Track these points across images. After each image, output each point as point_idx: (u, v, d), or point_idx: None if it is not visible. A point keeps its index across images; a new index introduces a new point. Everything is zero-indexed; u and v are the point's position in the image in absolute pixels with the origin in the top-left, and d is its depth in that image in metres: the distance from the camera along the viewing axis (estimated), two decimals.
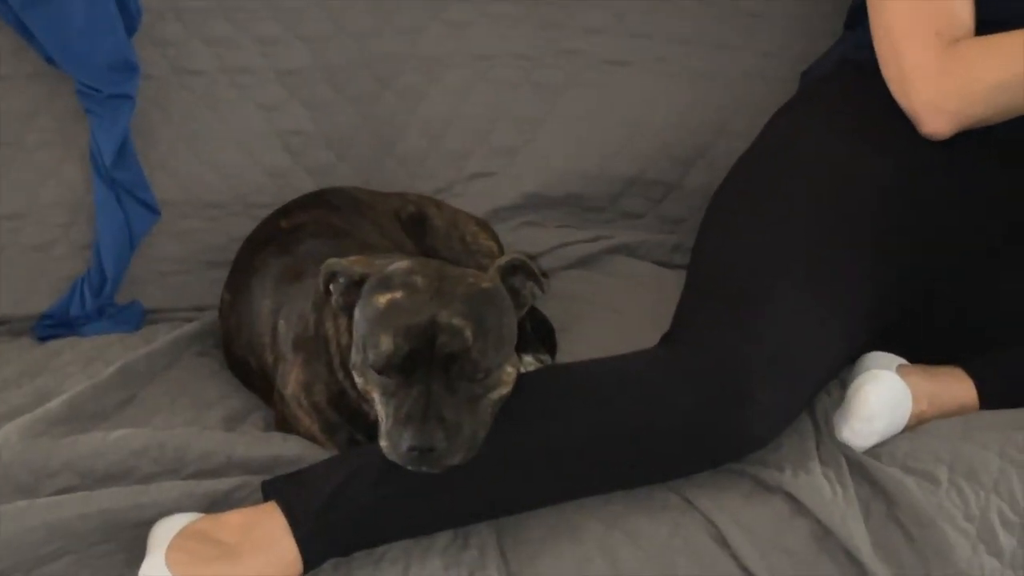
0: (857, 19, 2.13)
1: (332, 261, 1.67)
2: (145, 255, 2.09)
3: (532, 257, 1.78)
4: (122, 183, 2.03)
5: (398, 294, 1.60)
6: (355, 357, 1.64)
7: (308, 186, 2.09)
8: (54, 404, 1.82)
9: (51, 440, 1.76)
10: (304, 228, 1.94)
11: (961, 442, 1.82)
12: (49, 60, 2.02)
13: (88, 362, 1.93)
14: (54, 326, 2.06)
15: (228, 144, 2.13)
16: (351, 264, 1.66)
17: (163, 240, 2.09)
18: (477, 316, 1.60)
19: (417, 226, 2.02)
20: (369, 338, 1.60)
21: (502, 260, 1.72)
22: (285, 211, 2.02)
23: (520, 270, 1.70)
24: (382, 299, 1.60)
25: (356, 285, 1.65)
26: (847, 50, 2.15)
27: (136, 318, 2.09)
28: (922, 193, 2.00)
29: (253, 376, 1.93)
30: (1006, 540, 1.76)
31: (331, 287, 1.67)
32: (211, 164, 2.12)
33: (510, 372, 1.67)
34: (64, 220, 2.08)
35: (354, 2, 2.15)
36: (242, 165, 2.13)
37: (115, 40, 2.01)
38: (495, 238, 2.10)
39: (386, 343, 1.57)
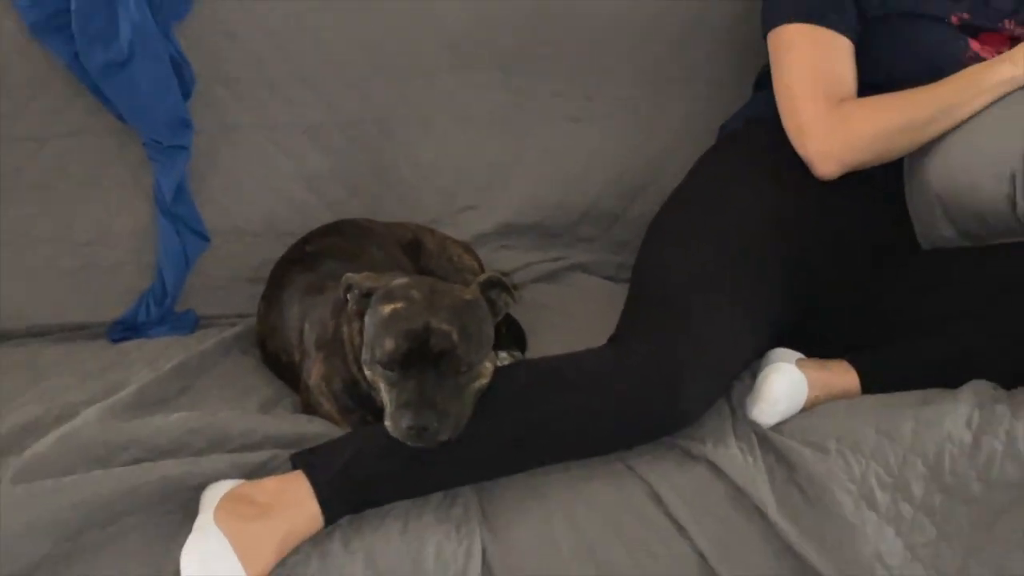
0: (763, 84, 2.14)
1: (349, 276, 1.69)
2: (197, 273, 2.09)
3: (506, 274, 1.82)
4: (179, 216, 2.04)
5: (399, 304, 1.62)
6: (365, 355, 1.65)
7: (326, 217, 2.08)
8: (124, 393, 1.81)
9: (122, 421, 1.76)
10: (324, 251, 1.95)
11: (846, 420, 1.82)
12: (120, 118, 2.03)
13: (152, 359, 1.93)
14: (124, 330, 2.05)
15: (263, 184, 2.14)
16: (363, 279, 1.68)
17: (211, 261, 2.09)
18: (461, 322, 1.62)
19: (414, 250, 2.02)
20: (376, 339, 1.62)
21: (482, 277, 1.75)
22: (308, 238, 2.03)
23: (496, 285, 1.72)
24: (386, 308, 1.62)
25: (366, 296, 1.67)
26: (755, 109, 2.16)
27: (191, 323, 2.09)
28: (814, 222, 2.01)
29: (283, 370, 1.93)
30: (881, 497, 1.76)
31: (348, 296, 1.68)
32: (249, 201, 2.13)
33: (488, 367, 1.69)
34: (133, 245, 2.08)
35: (364, 72, 2.15)
36: (274, 201, 2.14)
37: (174, 103, 2.02)
38: (477, 259, 2.10)
39: (389, 344, 1.59)
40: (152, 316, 2.04)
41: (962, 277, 2.01)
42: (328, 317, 1.76)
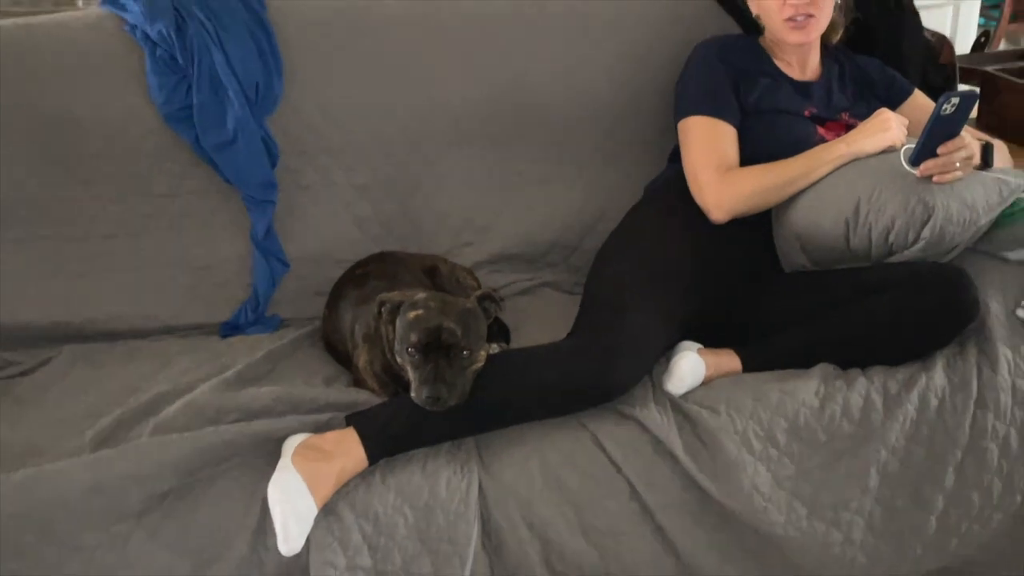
0: (675, 158, 2.15)
1: (383, 295, 1.70)
2: (281, 288, 2.09)
3: (496, 290, 1.82)
4: (268, 249, 2.05)
5: (420, 311, 1.64)
6: (397, 346, 1.67)
7: (371, 249, 2.09)
8: (229, 373, 1.83)
9: (227, 393, 1.77)
10: (369, 274, 1.96)
11: (731, 391, 1.83)
12: (227, 180, 2.03)
13: (249, 349, 1.94)
14: (230, 329, 2.06)
15: (325, 226, 2.13)
16: (394, 296, 1.69)
17: (290, 280, 2.09)
18: (464, 323, 1.64)
19: (432, 273, 2.02)
20: (404, 335, 1.64)
21: (477, 292, 1.76)
22: (358, 264, 2.03)
23: (488, 297, 1.74)
24: (411, 314, 1.65)
25: (397, 307, 1.68)
26: (669, 175, 2.15)
27: (276, 324, 2.08)
28: (709, 252, 2.01)
29: (340, 357, 1.94)
30: (756, 444, 1.78)
31: (382, 309, 1.69)
32: (316, 237, 2.12)
33: (483, 354, 1.70)
34: (235, 269, 2.08)
35: (397, 144, 2.16)
36: (333, 237, 2.13)
37: (264, 170, 2.04)
38: (476, 279, 2.10)
39: (414, 338, 1.62)
40: (249, 319, 2.05)
41: (811, 291, 2.01)
42: (371, 320, 1.75)
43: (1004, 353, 1.90)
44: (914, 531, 1.86)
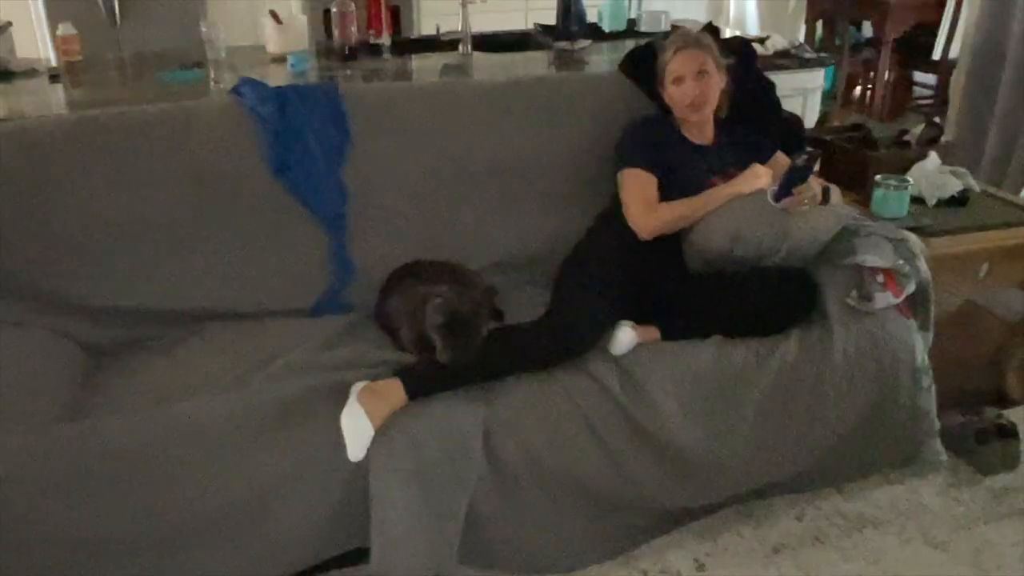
0: (616, 198, 2.17)
1: (420, 288, 1.79)
2: (350, 285, 2.11)
3: (494, 287, 1.83)
4: (340, 258, 2.10)
5: (442, 299, 1.71)
6: (427, 322, 1.72)
7: (410, 258, 2.10)
8: (315, 341, 1.88)
9: (313, 354, 1.82)
10: (408, 274, 2.00)
11: (654, 353, 1.88)
12: (312, 211, 2.07)
13: (328, 327, 1.98)
14: (316, 311, 2.08)
15: (379, 242, 2.14)
16: (426, 288, 1.74)
17: (357, 279, 2.10)
18: (473, 307, 1.72)
19: (452, 273, 2.01)
20: (432, 315, 1.70)
21: (482, 287, 1.78)
22: (400, 267, 2.04)
23: (490, 290, 1.81)
24: (437, 300, 1.71)
25: (428, 296, 1.74)
26: (613, 209, 2.15)
27: (348, 308, 2.09)
28: (638, 259, 2.04)
29: (388, 331, 1.96)
30: (671, 389, 1.82)
31: (420, 298, 1.73)
32: (373, 249, 2.13)
33: (485, 329, 1.75)
34: (317, 272, 2.10)
35: (429, 185, 2.18)
36: (384, 250, 2.13)
37: (338, 206, 2.09)
38: (481, 278, 2.09)
39: (439, 318, 1.68)
40: (329, 305, 2.08)
41: (706, 285, 2.05)
42: (410, 306, 1.78)
43: (837, 328, 1.96)
44: (778, 448, 1.93)
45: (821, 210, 2.05)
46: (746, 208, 2.00)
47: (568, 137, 2.28)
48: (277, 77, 2.60)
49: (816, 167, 2.06)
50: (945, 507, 2.03)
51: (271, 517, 1.62)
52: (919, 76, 5.28)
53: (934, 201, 2.35)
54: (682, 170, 2.11)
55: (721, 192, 2.04)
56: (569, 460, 1.77)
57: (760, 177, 2.05)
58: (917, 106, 5.27)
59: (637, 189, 2.07)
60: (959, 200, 2.35)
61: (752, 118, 2.31)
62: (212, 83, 2.61)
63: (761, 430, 1.87)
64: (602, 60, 2.98)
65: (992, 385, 2.48)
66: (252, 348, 1.86)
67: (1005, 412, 2.25)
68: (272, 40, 2.89)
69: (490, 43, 3.17)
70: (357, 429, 1.61)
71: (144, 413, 1.61)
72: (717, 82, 2.12)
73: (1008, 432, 2.16)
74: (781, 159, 2.22)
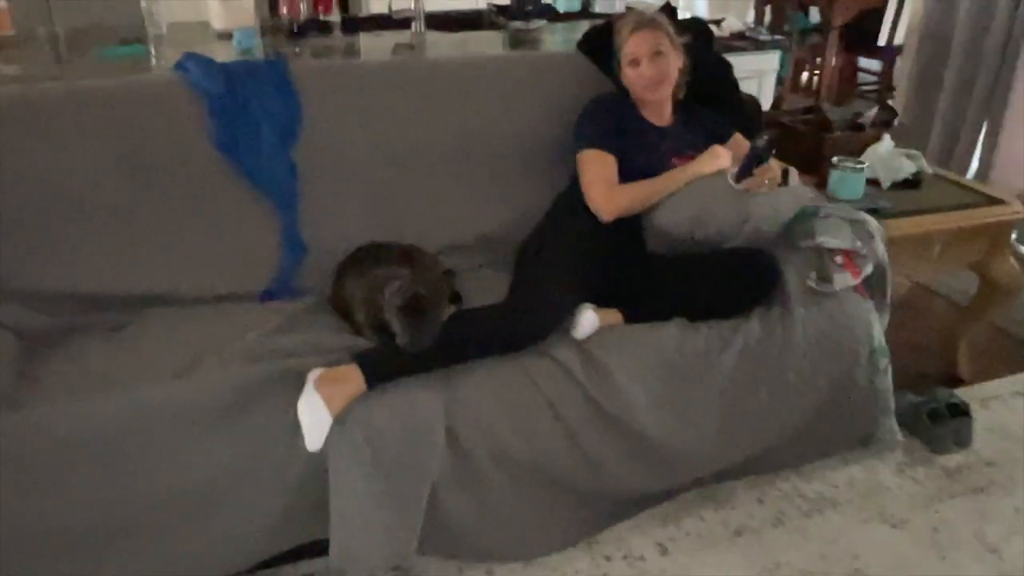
0: (574, 179, 2.13)
1: (377, 271, 1.74)
2: (301, 267, 2.04)
3: (452, 270, 1.78)
4: (292, 238, 2.03)
5: (402, 282, 1.66)
6: (386, 307, 1.67)
7: (366, 239, 2.02)
8: (270, 326, 1.80)
9: (268, 339, 1.75)
10: (365, 257, 1.93)
11: (617, 336, 1.85)
12: (261, 190, 1.99)
13: (281, 312, 1.91)
14: (266, 296, 2.01)
15: (333, 222, 2.07)
16: (384, 272, 1.70)
17: (308, 261, 2.04)
18: (432, 291, 1.67)
19: (409, 256, 1.93)
20: (390, 299, 1.65)
21: (442, 270, 1.73)
22: (357, 249, 1.97)
23: (449, 273, 1.74)
24: (396, 284, 1.67)
25: (386, 279, 1.70)
26: (571, 191, 2.11)
27: (298, 292, 2.02)
28: (599, 240, 2.00)
29: (343, 315, 1.89)
30: (635, 371, 1.79)
31: (377, 282, 1.68)
32: (326, 230, 2.07)
33: (445, 312, 1.70)
34: (268, 253, 2.03)
35: (380, 169, 2.12)
36: (339, 231, 2.06)
37: (289, 183, 2.03)
38: (438, 261, 2.05)
39: (398, 301, 1.64)
40: (279, 289, 2.00)
41: (668, 268, 2.02)
42: (367, 290, 1.72)
43: (798, 310, 1.95)
44: (741, 431, 1.92)
45: (781, 191, 2.05)
46: (707, 190, 1.99)
47: (525, 117, 2.23)
48: (223, 55, 2.49)
49: (774, 150, 2.06)
50: (901, 486, 2.05)
51: (223, 509, 1.56)
52: (864, 62, 5.37)
53: (888, 183, 2.37)
54: (641, 151, 2.08)
55: (682, 173, 2.01)
56: (532, 446, 1.73)
57: (720, 158, 2.03)
58: (863, 91, 5.36)
59: (597, 171, 2.04)
60: (912, 182, 2.38)
61: (709, 100, 2.30)
62: (154, 59, 2.50)
63: (724, 413, 1.85)
64: (557, 40, 2.94)
65: (943, 366, 2.53)
66: (200, 334, 1.78)
67: (956, 392, 2.29)
68: (217, 16, 2.78)
69: (443, 22, 3.10)
70: (315, 418, 1.54)
71: (84, 400, 1.52)
72: (673, 62, 2.09)
73: (960, 411, 2.20)
74: (740, 141, 2.21)
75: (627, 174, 2.05)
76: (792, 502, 2.00)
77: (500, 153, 2.21)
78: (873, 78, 5.29)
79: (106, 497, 1.48)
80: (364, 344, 1.76)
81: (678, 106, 2.21)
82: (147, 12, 2.73)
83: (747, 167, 1.95)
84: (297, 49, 2.62)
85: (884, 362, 2.06)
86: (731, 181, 1.98)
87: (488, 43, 2.94)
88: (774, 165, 2.04)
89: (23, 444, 1.45)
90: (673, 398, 1.82)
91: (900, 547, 1.87)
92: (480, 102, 2.21)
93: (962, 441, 2.18)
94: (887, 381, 2.07)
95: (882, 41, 5.00)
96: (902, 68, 4.26)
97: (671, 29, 2.10)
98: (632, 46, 2.07)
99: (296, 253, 1.99)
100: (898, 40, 4.71)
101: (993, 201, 2.31)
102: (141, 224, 1.89)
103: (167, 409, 1.53)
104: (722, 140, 2.18)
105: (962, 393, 2.30)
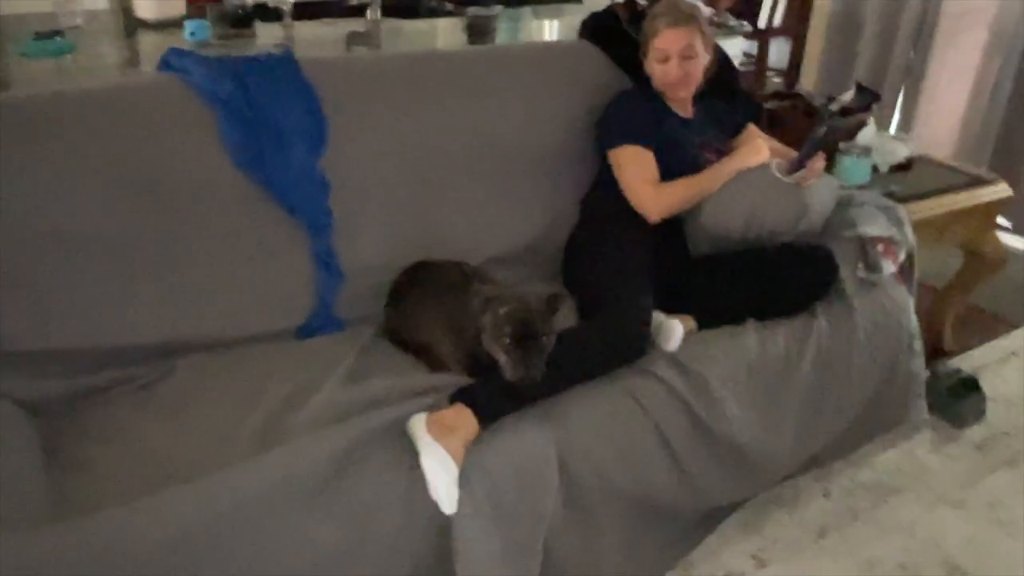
0: (601, 183, 2.04)
1: (481, 293, 1.51)
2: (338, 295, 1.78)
3: (559, 294, 1.58)
4: (328, 264, 1.77)
5: (510, 308, 1.48)
6: (489, 334, 1.49)
7: (402, 259, 1.82)
8: (340, 371, 1.55)
9: (347, 389, 1.52)
10: (431, 279, 1.73)
11: (703, 346, 1.75)
12: (290, 210, 1.72)
13: (336, 349, 1.66)
14: (306, 332, 1.75)
15: (367, 242, 1.84)
16: (487, 292, 1.50)
17: (345, 287, 1.79)
18: (543, 316, 1.51)
19: (461, 274, 1.74)
20: (498, 326, 1.48)
21: (548, 292, 1.54)
22: (409, 270, 1.77)
23: (556, 296, 1.54)
24: (502, 310, 1.48)
25: (487, 303, 1.50)
26: (602, 195, 2.02)
27: (341, 324, 1.78)
28: (648, 245, 1.88)
29: (410, 346, 1.68)
30: (726, 379, 1.71)
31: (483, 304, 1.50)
32: (361, 252, 1.83)
33: (553, 338, 1.50)
34: (301, 282, 1.76)
35: (409, 182, 1.91)
36: (373, 252, 1.84)
37: (321, 201, 1.77)
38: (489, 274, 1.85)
39: (508, 329, 1.45)
40: (320, 322, 1.75)
41: (720, 269, 1.96)
42: (454, 318, 1.52)
43: (855, 302, 1.93)
44: (814, 431, 1.89)
45: (825, 181, 2.02)
46: (756, 185, 1.91)
47: (543, 110, 2.06)
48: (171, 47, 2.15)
49: None
50: (943, 465, 2.10)
51: None
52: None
53: (887, 167, 2.41)
54: (675, 146, 1.98)
55: (725, 168, 1.93)
56: (637, 472, 1.60)
57: (762, 151, 1.97)
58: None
59: (638, 169, 1.93)
60: (904, 165, 2.44)
61: (717, 90, 2.25)
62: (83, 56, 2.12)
63: (802, 413, 1.81)
64: (516, 28, 2.79)
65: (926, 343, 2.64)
66: (254, 387, 1.50)
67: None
68: (143, 4, 2.40)
69: (387, 7, 2.86)
70: (447, 475, 1.33)
71: (157, 497, 1.20)
72: (702, 62, 1.99)
73: (973, 385, 2.29)
74: (752, 130, 2.17)
75: (662, 171, 1.95)
76: (855, 494, 1.99)
77: (525, 161, 2.03)
78: (748, 59, 5.49)
79: None
80: (450, 380, 1.55)
81: (694, 97, 2.12)
82: (57, 2, 2.31)
83: (802, 158, 1.90)
84: (259, 40, 2.31)
85: (918, 344, 2.10)
86: (778, 174, 1.93)
87: (448, 31, 2.74)
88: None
89: (88, 558, 1.13)
90: (761, 404, 1.75)
91: (969, 528, 1.90)
92: (499, 96, 2.02)
93: (978, 415, 2.27)
94: (920, 363, 2.11)
95: (762, 24, 5.19)
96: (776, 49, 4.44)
97: (707, 27, 1.99)
98: (664, 42, 1.95)
99: (334, 280, 1.73)
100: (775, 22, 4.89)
101: (978, 180, 2.41)
102: (153, 260, 1.57)
103: (259, 493, 1.25)
104: (736, 131, 2.14)
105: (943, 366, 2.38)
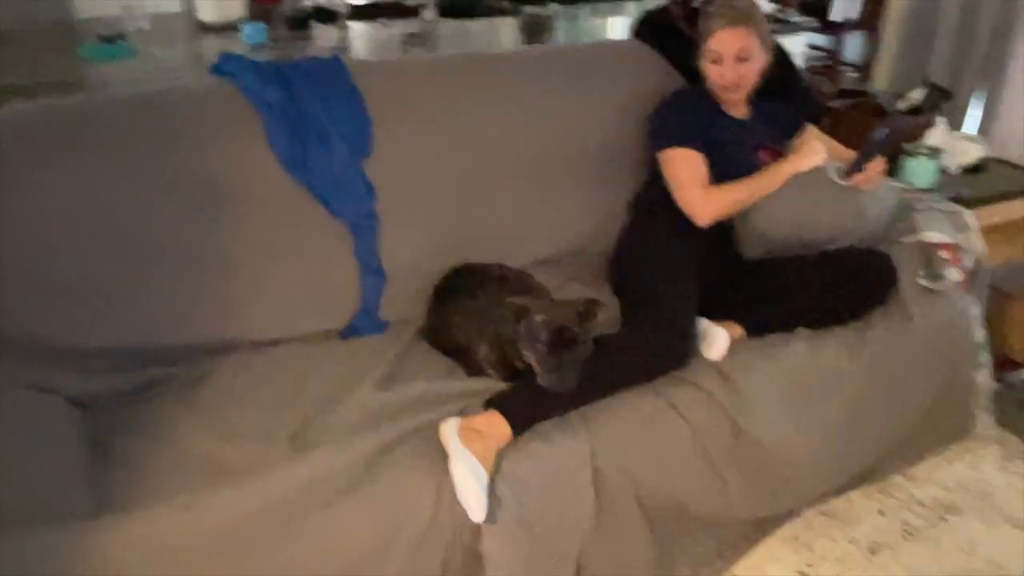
0: (650, 185, 2.00)
1: (512, 301, 1.50)
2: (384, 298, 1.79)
3: (597, 299, 1.56)
4: (371, 265, 1.78)
5: (545, 315, 1.46)
6: (525, 341, 1.48)
7: (445, 261, 1.84)
8: (377, 373, 1.58)
9: (384, 391, 1.53)
10: (472, 283, 1.72)
11: (747, 354, 1.71)
12: (333, 213, 1.75)
13: (376, 351, 1.69)
14: (349, 332, 1.77)
15: (410, 244, 1.84)
16: (520, 301, 1.49)
17: (388, 289, 1.80)
18: (579, 323, 1.48)
19: (503, 276, 1.76)
20: (533, 333, 1.46)
21: (584, 299, 1.52)
22: (453, 274, 1.78)
23: (593, 302, 1.52)
24: (539, 317, 1.47)
25: (522, 310, 1.48)
26: (653, 196, 1.96)
27: (383, 326, 1.79)
28: (699, 249, 1.86)
29: (448, 350, 1.69)
30: (769, 388, 1.67)
31: (518, 313, 1.48)
32: (404, 253, 1.84)
33: (590, 345, 1.50)
34: (345, 284, 1.78)
35: (454, 183, 1.90)
36: (416, 253, 1.85)
37: (366, 203, 1.78)
38: (530, 276, 1.85)
39: (544, 336, 1.44)
40: (364, 323, 1.77)
41: (773, 275, 1.89)
42: (489, 323, 1.51)
43: (914, 310, 1.85)
44: (863, 441, 1.83)
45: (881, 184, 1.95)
46: (810, 188, 1.85)
47: (593, 112, 2.03)
48: (228, 50, 2.20)
49: None
50: (1009, 482, 2.00)
51: None
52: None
53: (957, 169, 2.31)
54: (728, 147, 1.92)
55: (778, 172, 1.86)
56: (674, 481, 1.57)
57: (818, 154, 1.89)
58: (813, 68, 5.38)
59: (688, 172, 1.88)
60: (977, 167, 2.33)
61: (773, 87, 2.18)
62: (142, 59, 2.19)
63: (851, 424, 1.75)
64: (573, 28, 2.77)
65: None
66: (294, 388, 1.54)
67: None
68: (205, 7, 2.47)
69: (442, 8, 2.87)
70: (478, 482, 1.32)
71: (197, 495, 1.24)
72: (757, 65, 1.92)
73: None
74: (811, 131, 2.10)
75: (714, 173, 1.89)
76: (912, 510, 1.91)
77: (574, 161, 2.01)
78: (822, 54, 5.32)
79: None
80: (487, 386, 1.55)
81: (748, 97, 2.07)
82: (125, 4, 2.39)
83: (861, 161, 1.83)
84: (318, 43, 2.35)
85: (985, 356, 2.00)
86: (835, 177, 1.86)
87: (504, 30, 2.74)
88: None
89: (128, 553, 1.17)
90: (808, 415, 1.69)
91: None
92: (547, 98, 2.00)
93: None
94: (985, 374, 2.01)
95: (838, 16, 5.03)
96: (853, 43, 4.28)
97: (764, 26, 1.92)
98: (718, 43, 1.89)
99: (377, 282, 1.75)
100: (850, 15, 4.73)
101: None
102: (201, 258, 1.61)
103: (294, 493, 1.27)
104: (793, 131, 2.07)
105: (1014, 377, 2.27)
